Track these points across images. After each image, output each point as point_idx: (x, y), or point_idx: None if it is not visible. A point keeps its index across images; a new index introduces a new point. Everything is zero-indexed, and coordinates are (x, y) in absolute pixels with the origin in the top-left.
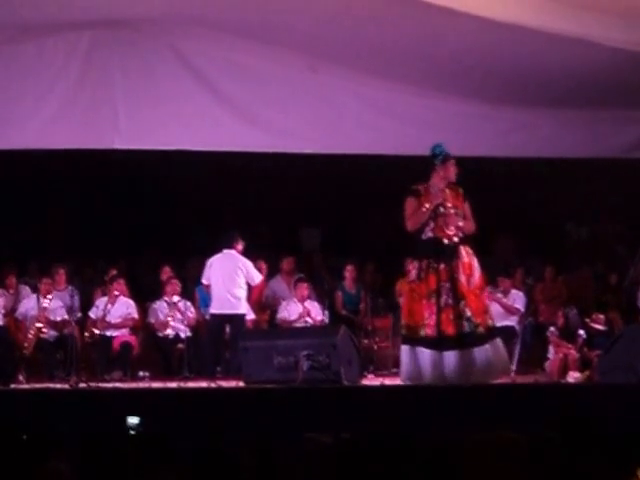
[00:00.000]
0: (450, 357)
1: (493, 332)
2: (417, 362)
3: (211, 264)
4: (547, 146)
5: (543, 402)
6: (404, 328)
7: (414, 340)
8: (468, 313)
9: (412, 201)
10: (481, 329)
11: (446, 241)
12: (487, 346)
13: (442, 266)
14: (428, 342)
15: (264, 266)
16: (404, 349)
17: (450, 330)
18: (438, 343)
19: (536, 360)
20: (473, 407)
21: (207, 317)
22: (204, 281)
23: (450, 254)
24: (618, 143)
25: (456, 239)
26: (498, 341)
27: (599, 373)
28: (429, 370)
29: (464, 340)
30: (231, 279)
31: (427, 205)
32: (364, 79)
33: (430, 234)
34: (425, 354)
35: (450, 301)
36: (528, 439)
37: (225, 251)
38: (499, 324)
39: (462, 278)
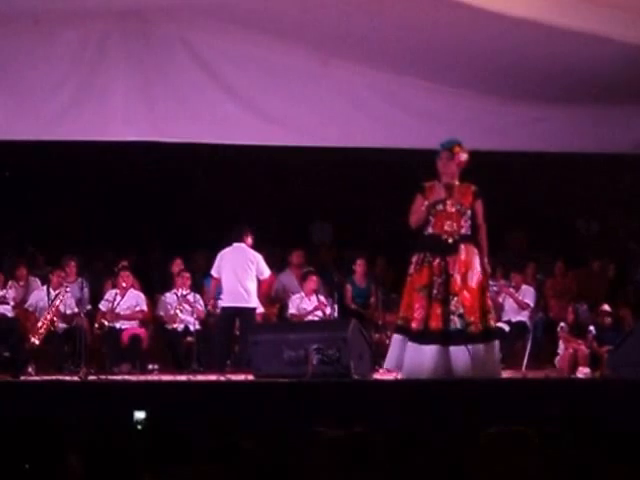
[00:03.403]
0: (429, 352)
1: (490, 333)
2: (402, 353)
3: (222, 257)
4: (559, 141)
5: (553, 397)
6: (400, 319)
7: (405, 331)
8: (460, 310)
9: (418, 198)
10: (472, 328)
11: (444, 238)
12: (479, 346)
13: (437, 261)
14: (413, 334)
15: None
16: (396, 338)
17: (435, 325)
18: (421, 336)
19: (547, 355)
20: (483, 402)
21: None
22: (215, 274)
23: (447, 250)
24: (630, 138)
25: (456, 236)
26: (495, 344)
27: (609, 369)
28: (409, 362)
29: (448, 336)
30: (243, 272)
31: (425, 202)
32: (378, 73)
33: (431, 230)
34: (409, 346)
35: (440, 296)
36: (538, 434)
37: (235, 244)
38: (513, 319)
39: (456, 275)
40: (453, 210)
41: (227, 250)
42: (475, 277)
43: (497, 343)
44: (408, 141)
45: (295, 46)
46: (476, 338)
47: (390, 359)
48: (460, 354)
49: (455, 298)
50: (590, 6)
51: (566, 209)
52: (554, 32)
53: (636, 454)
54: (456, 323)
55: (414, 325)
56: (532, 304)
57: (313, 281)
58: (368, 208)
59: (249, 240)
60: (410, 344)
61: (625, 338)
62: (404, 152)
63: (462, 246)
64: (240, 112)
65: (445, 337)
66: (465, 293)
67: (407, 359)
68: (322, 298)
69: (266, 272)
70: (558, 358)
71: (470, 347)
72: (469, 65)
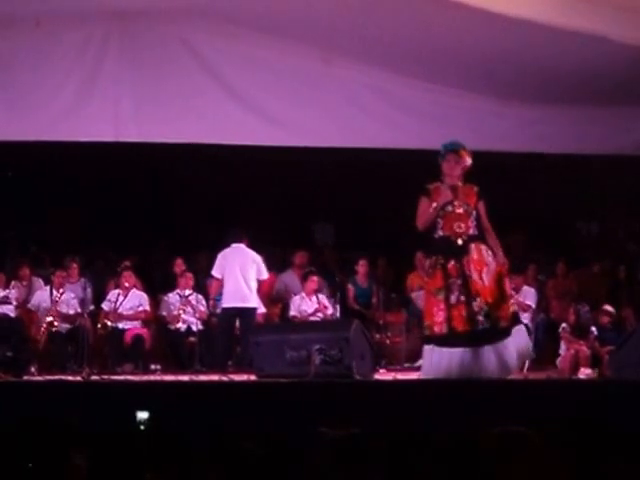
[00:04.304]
0: (457, 354)
1: (515, 319)
2: (432, 360)
3: (224, 257)
4: (559, 142)
5: (555, 398)
6: (425, 328)
7: (428, 338)
8: (485, 309)
9: (423, 201)
10: (502, 323)
11: (455, 239)
12: (507, 340)
13: (451, 263)
14: (437, 339)
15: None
16: (424, 348)
17: (461, 327)
18: (447, 340)
19: (548, 356)
20: (485, 403)
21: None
22: (217, 275)
23: (459, 252)
24: (630, 139)
25: (465, 237)
26: (521, 327)
27: (610, 369)
28: (438, 367)
29: (476, 337)
30: (246, 272)
31: (434, 205)
32: (379, 73)
33: (441, 232)
34: (436, 352)
35: (462, 298)
36: (540, 435)
37: (235, 245)
38: None
39: (474, 275)
40: (461, 211)
41: (228, 250)
42: (490, 273)
43: (522, 327)
44: (409, 142)
45: (296, 46)
46: (505, 332)
47: (422, 370)
48: (491, 354)
49: (478, 298)
50: (591, 7)
51: (566, 210)
52: (554, 33)
53: (638, 455)
54: (483, 323)
55: (437, 329)
56: (533, 305)
57: (313, 281)
58: (369, 209)
59: (245, 241)
60: (437, 349)
61: (627, 339)
62: (405, 153)
63: (472, 246)
64: (242, 113)
65: (473, 338)
66: (486, 292)
67: (431, 362)
68: (324, 298)
69: (265, 273)
70: (560, 359)
71: (501, 344)
72: (470, 66)
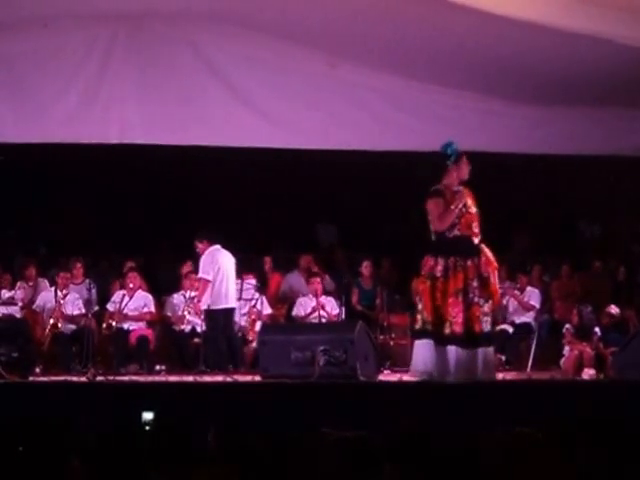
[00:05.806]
0: (480, 354)
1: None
2: (445, 359)
3: (211, 259)
4: (563, 143)
5: (558, 399)
6: (429, 324)
7: (440, 337)
8: (492, 310)
9: (438, 201)
10: (493, 329)
11: (472, 239)
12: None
13: (469, 264)
14: (457, 340)
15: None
16: (426, 344)
17: (477, 327)
18: (467, 340)
19: (552, 357)
20: (488, 404)
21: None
22: (208, 277)
23: (475, 252)
24: (634, 141)
25: (479, 237)
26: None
27: (614, 370)
28: (457, 367)
29: (488, 337)
30: (231, 273)
31: (453, 206)
32: (383, 76)
33: (457, 232)
34: (453, 352)
35: (476, 299)
36: (542, 435)
37: (216, 246)
38: (517, 320)
39: (491, 276)
40: (474, 211)
41: (213, 252)
42: (496, 277)
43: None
44: (413, 144)
45: (302, 50)
46: (493, 340)
47: (425, 365)
48: (489, 354)
49: (490, 300)
50: (594, 8)
51: (569, 212)
52: (558, 35)
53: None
54: (488, 324)
55: (456, 329)
56: (537, 305)
57: (317, 283)
58: (373, 210)
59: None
60: (455, 349)
61: (630, 340)
62: (409, 155)
63: (483, 246)
64: (246, 115)
65: (486, 338)
66: (497, 294)
67: (454, 364)
68: (328, 299)
69: None
70: (563, 360)
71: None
72: (474, 68)
